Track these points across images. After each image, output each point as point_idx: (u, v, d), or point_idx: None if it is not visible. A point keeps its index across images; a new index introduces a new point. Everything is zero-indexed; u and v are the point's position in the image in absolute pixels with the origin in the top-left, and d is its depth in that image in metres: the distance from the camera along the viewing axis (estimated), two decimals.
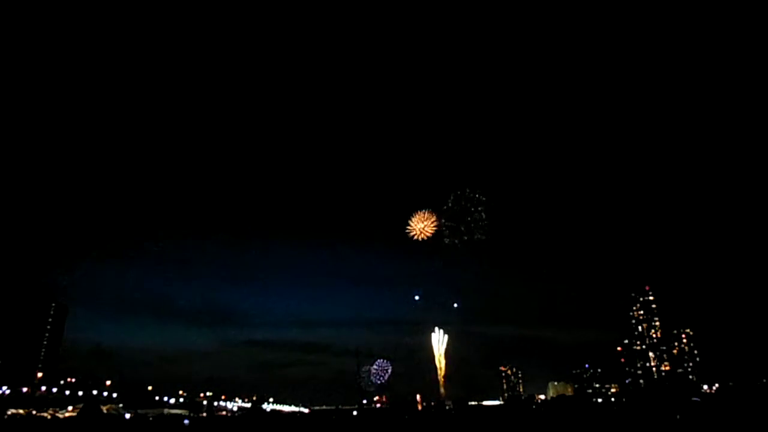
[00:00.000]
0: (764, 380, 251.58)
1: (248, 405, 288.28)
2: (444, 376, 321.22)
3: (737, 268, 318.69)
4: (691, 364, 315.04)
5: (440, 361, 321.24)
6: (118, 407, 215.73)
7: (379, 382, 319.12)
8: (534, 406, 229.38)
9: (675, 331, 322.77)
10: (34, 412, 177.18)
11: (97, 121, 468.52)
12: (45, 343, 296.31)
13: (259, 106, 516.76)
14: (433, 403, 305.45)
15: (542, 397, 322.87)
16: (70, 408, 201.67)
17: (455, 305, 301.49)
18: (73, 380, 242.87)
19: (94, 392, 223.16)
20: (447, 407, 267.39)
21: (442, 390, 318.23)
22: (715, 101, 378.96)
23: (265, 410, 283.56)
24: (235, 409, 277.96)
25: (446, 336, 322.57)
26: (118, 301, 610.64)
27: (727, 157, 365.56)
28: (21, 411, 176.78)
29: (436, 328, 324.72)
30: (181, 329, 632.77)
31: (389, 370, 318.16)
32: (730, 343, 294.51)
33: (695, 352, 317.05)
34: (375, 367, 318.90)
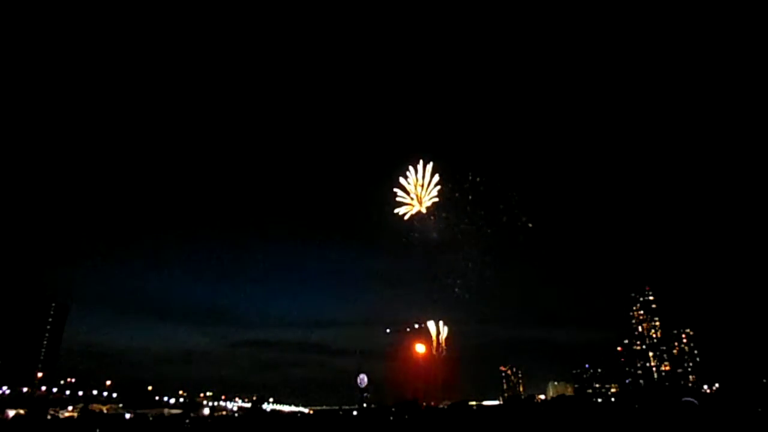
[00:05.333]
0: (764, 380, 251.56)
1: (248, 405, 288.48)
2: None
3: (737, 269, 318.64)
4: (691, 364, 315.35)
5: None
6: (118, 407, 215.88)
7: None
8: (541, 409, 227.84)
9: (675, 331, 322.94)
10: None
11: (97, 120, 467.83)
12: (45, 343, 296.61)
13: (256, 106, 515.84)
14: (433, 404, 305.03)
15: (542, 397, 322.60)
16: (70, 408, 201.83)
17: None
18: (73, 380, 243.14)
19: (94, 392, 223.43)
20: (443, 407, 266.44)
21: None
22: (716, 101, 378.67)
23: (265, 410, 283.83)
24: (234, 409, 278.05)
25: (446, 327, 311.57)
26: (118, 300, 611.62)
27: (727, 157, 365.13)
28: (21, 411, 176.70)
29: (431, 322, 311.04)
30: (180, 329, 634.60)
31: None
32: (730, 343, 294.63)
33: (695, 352, 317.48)
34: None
